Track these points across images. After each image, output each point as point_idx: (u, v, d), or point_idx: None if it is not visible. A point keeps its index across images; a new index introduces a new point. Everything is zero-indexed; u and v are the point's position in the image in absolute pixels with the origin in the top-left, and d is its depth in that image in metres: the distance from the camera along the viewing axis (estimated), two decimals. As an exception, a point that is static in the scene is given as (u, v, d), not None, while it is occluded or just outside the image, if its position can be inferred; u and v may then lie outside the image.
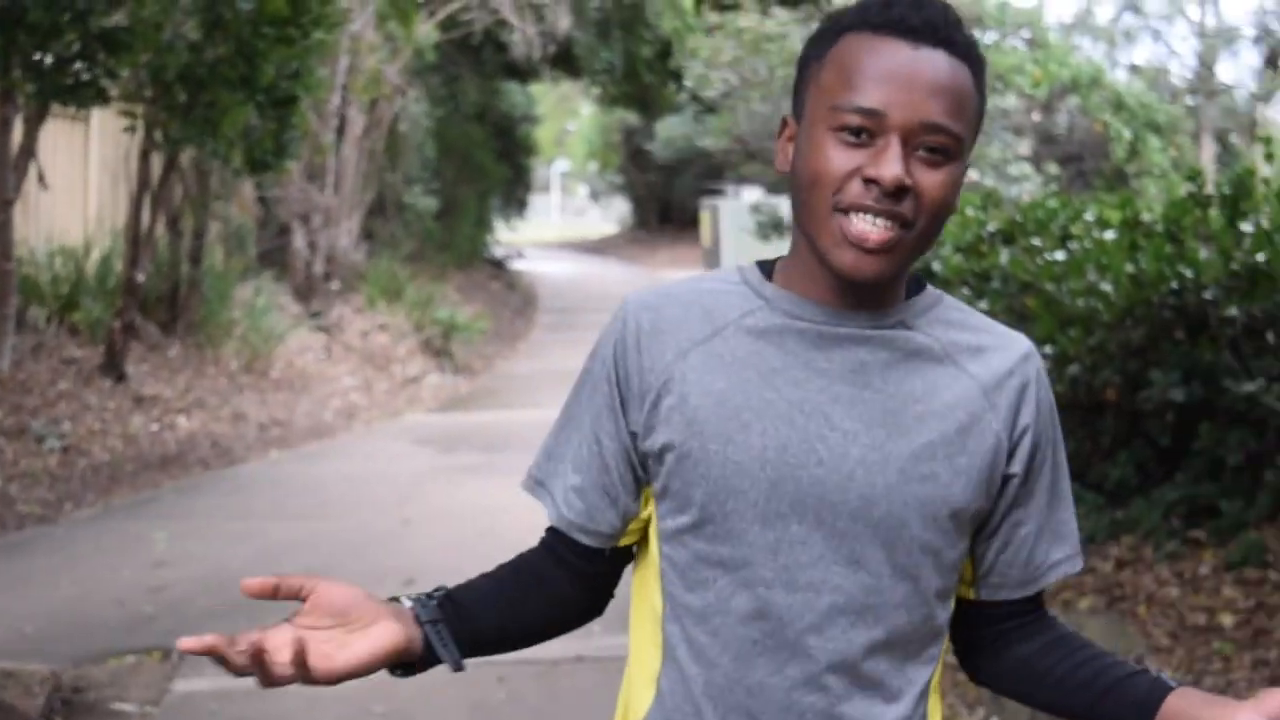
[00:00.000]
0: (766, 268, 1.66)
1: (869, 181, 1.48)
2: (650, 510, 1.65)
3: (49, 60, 9.59)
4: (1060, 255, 6.10)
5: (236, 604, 6.91)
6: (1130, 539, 5.12)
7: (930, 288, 1.65)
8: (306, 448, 12.12)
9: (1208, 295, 5.01)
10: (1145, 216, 6.21)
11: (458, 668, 1.61)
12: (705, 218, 27.18)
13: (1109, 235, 6.00)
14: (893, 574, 1.55)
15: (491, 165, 27.42)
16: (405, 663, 1.60)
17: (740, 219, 20.00)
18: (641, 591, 1.67)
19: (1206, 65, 33.18)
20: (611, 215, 51.64)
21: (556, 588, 1.70)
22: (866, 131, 1.49)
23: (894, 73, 1.49)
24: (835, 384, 1.55)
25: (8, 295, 10.93)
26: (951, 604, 1.64)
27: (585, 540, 1.66)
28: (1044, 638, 1.68)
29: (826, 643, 1.54)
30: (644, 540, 1.67)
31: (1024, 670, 1.67)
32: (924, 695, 1.61)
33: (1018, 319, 5.98)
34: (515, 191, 33.13)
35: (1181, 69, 35.94)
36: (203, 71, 9.99)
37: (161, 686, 5.78)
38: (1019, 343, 1.63)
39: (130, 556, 7.84)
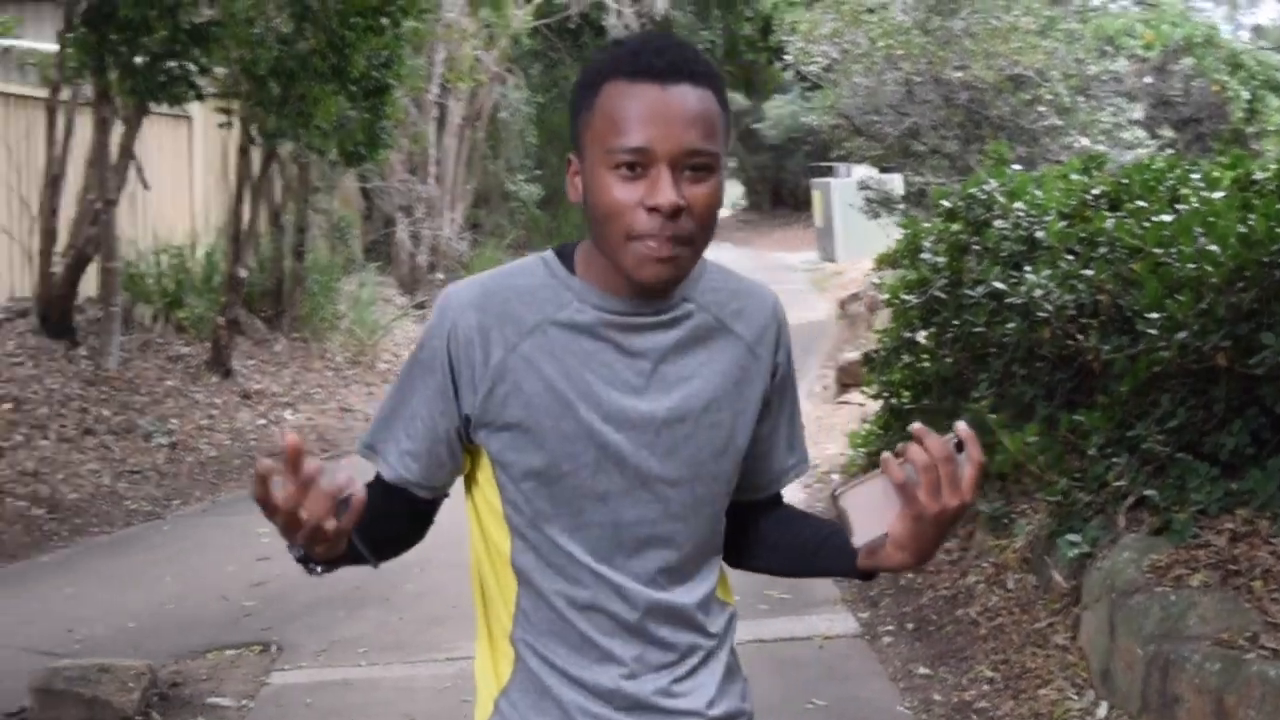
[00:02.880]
0: (568, 252, 1.97)
1: (652, 209, 1.79)
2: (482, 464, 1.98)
3: (141, 58, 9.66)
4: (1167, 218, 5.82)
5: (334, 598, 6.88)
6: (1245, 512, 4.87)
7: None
8: (413, 439, 12.10)
9: (1323, 254, 4.75)
10: (1258, 175, 5.92)
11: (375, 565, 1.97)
12: (817, 197, 26.64)
13: (1218, 195, 5.71)
14: (695, 504, 1.95)
15: (596, 150, 27.31)
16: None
17: (851, 197, 19.50)
18: (483, 540, 2.01)
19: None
20: (724, 198, 51.61)
21: (394, 521, 2.02)
22: (639, 166, 1.80)
23: (652, 113, 1.80)
24: (639, 361, 1.91)
25: (113, 294, 11.06)
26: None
27: (421, 493, 2.00)
28: (771, 518, 2.12)
29: (647, 563, 1.93)
30: (480, 501, 2.00)
31: (759, 547, 2.12)
32: (720, 578, 2.05)
33: (1125, 285, 5.73)
34: (623, 176, 33.02)
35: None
36: (294, 64, 10.00)
37: (258, 680, 5.76)
38: (766, 296, 2.05)
39: (234, 552, 7.87)
